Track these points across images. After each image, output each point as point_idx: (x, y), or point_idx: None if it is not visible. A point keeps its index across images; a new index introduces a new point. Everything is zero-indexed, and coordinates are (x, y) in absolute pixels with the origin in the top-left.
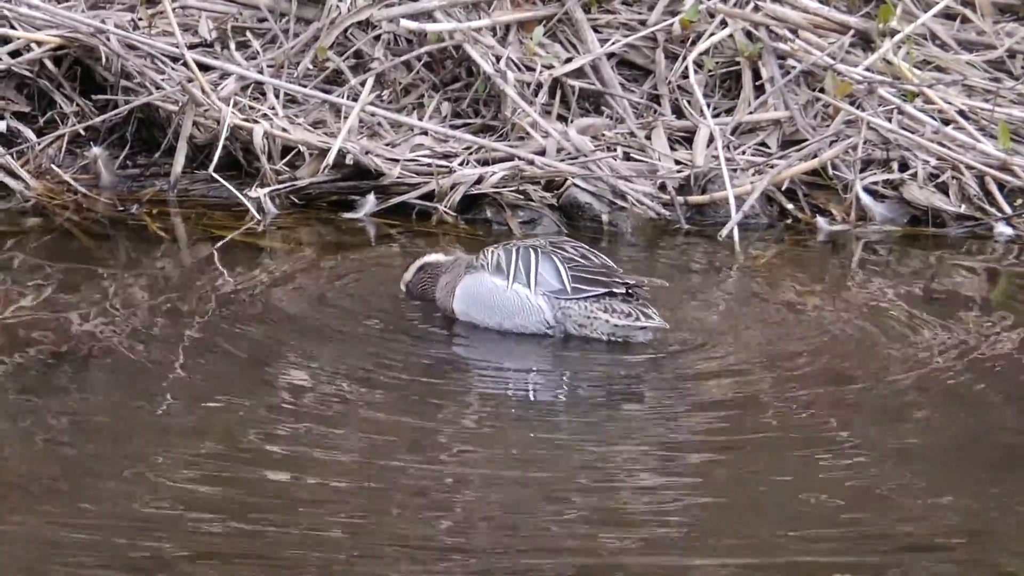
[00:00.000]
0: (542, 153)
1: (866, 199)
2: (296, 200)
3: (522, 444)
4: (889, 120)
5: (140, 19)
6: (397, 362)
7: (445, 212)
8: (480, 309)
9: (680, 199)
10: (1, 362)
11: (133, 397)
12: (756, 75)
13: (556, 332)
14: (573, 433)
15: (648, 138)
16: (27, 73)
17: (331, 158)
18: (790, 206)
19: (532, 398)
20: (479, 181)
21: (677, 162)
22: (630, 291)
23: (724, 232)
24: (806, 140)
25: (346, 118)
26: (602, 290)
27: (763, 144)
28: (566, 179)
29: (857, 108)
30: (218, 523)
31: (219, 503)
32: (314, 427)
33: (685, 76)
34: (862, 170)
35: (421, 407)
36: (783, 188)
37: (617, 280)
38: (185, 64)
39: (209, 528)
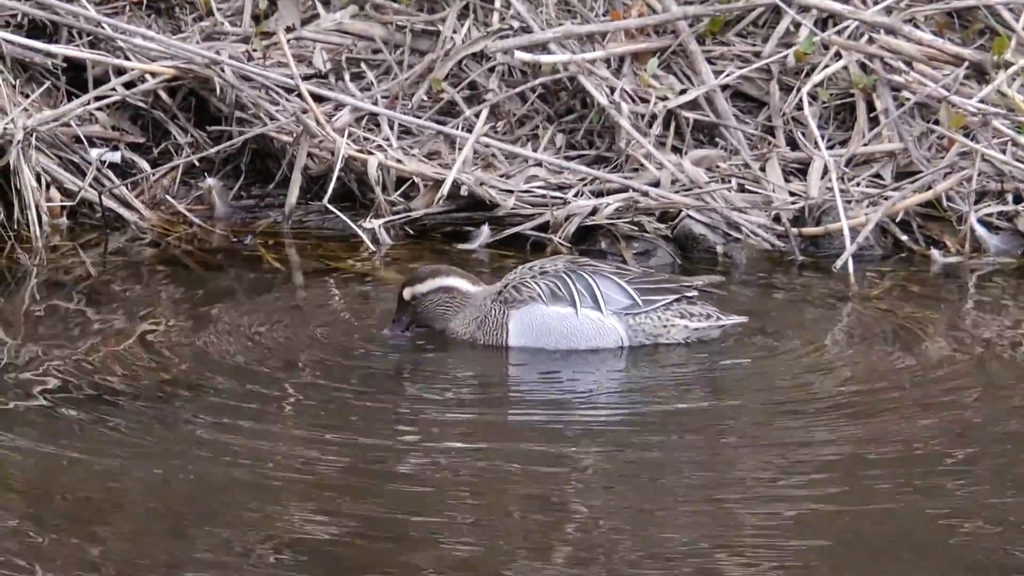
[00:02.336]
0: (656, 184)
1: (980, 231)
2: (410, 231)
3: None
4: (1003, 152)
5: (255, 50)
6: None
7: (560, 243)
8: (548, 338)
9: (795, 231)
10: (115, 391)
11: (247, 427)
12: (870, 107)
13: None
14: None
15: (763, 169)
16: (142, 104)
17: (446, 189)
18: (904, 238)
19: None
20: (594, 212)
21: (792, 193)
22: (700, 291)
23: (839, 264)
24: (920, 172)
25: (460, 149)
26: (673, 296)
27: (877, 176)
28: (680, 210)
29: (971, 140)
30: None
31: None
32: (439, 457)
33: (799, 108)
34: (976, 202)
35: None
36: (897, 220)
37: (684, 284)
38: (300, 95)
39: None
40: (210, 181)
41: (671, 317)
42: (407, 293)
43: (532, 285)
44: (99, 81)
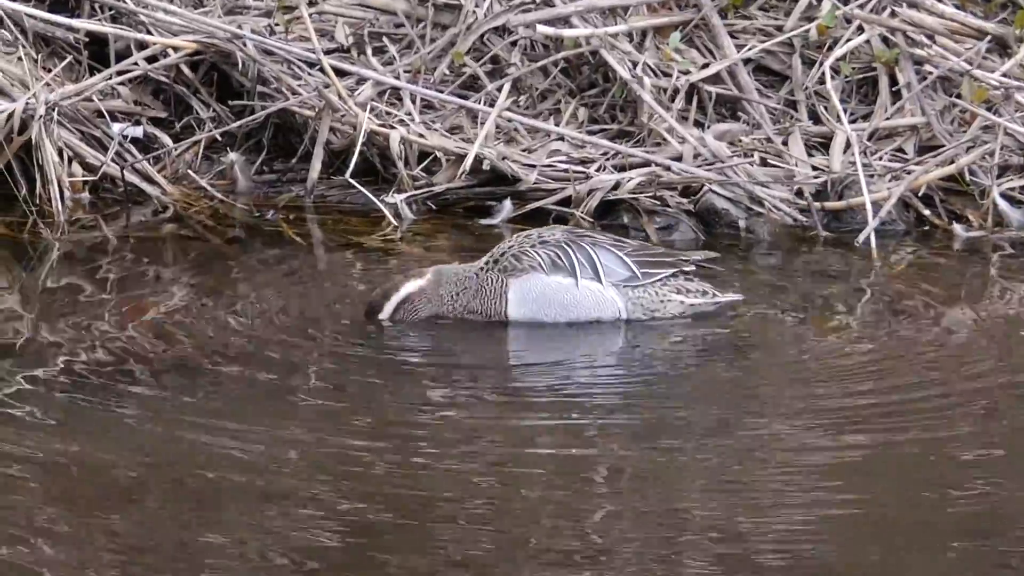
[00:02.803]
0: (679, 159)
1: (1003, 205)
2: (432, 206)
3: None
4: None
5: (276, 24)
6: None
7: (582, 218)
8: (548, 309)
9: (817, 205)
10: (136, 365)
11: (265, 402)
12: (893, 81)
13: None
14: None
15: (785, 144)
16: (164, 79)
17: (468, 164)
18: (927, 212)
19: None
20: (616, 187)
21: (814, 168)
22: (697, 266)
23: (861, 238)
24: (943, 146)
25: (483, 124)
26: (671, 270)
27: (900, 150)
28: (703, 185)
29: (994, 114)
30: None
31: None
32: (459, 436)
33: (822, 82)
34: (999, 176)
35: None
36: (920, 194)
37: (682, 258)
38: (322, 69)
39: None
40: (232, 156)
41: (668, 292)
42: (385, 320)
43: (532, 254)
44: (121, 55)
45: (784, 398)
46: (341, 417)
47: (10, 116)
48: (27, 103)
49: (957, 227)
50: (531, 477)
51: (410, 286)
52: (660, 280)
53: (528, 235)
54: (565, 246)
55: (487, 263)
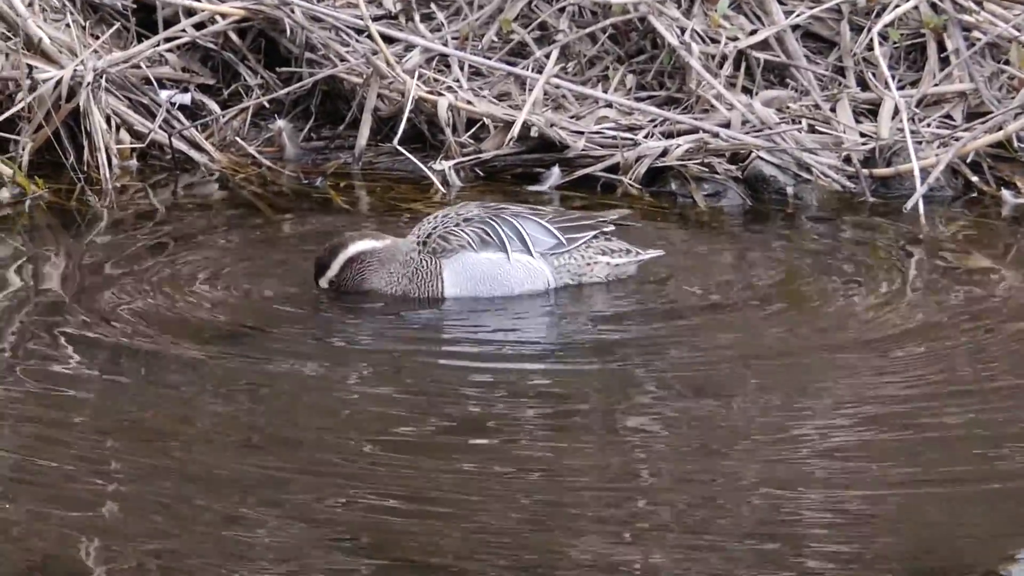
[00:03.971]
0: (727, 126)
1: None
2: (480, 173)
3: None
4: None
5: None
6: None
7: (630, 185)
8: (483, 286)
9: (865, 171)
10: (183, 331)
11: (313, 366)
12: (941, 47)
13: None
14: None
15: (833, 110)
16: (211, 45)
17: (516, 131)
18: (975, 179)
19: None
20: (664, 154)
21: (862, 134)
22: (615, 225)
23: (909, 205)
24: (991, 112)
25: (531, 90)
26: (592, 233)
27: (948, 116)
28: (751, 152)
29: None
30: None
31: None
32: (501, 408)
33: (870, 48)
34: None
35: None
36: (968, 160)
37: (601, 220)
38: (370, 36)
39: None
40: (280, 123)
41: (593, 255)
42: (323, 283)
43: (459, 233)
44: (169, 22)
45: (833, 364)
46: (399, 384)
47: (58, 83)
48: (75, 70)
49: (1006, 193)
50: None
51: (364, 244)
52: (584, 243)
53: (447, 214)
54: (491, 221)
55: (417, 244)
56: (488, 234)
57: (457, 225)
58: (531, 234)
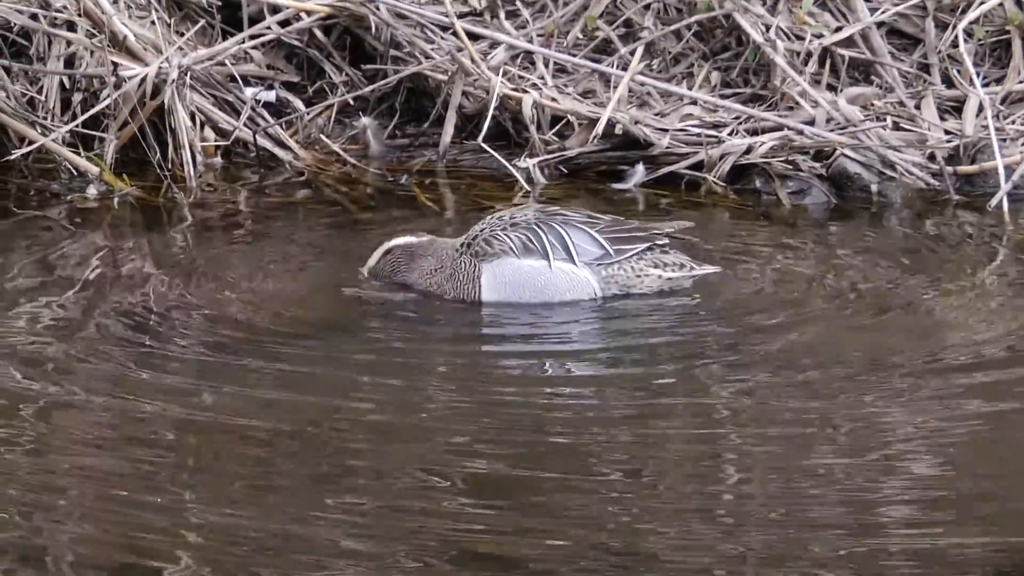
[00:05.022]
0: (811, 123)
1: None
2: (564, 170)
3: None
4: None
5: None
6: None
7: (714, 182)
8: (522, 292)
9: (949, 169)
10: (269, 329)
11: (406, 363)
12: None
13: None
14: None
15: (918, 107)
16: (296, 43)
17: (600, 128)
18: None
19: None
20: (748, 151)
21: (947, 132)
22: (671, 237)
23: (993, 202)
24: None
25: (615, 88)
26: (644, 245)
27: None
28: (835, 149)
29: None
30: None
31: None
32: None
33: (955, 45)
34: None
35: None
36: None
37: (655, 232)
38: (455, 33)
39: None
40: (365, 120)
41: (644, 267)
42: (363, 271)
43: (503, 238)
44: (254, 19)
45: (918, 358)
46: (479, 377)
47: (143, 81)
48: (160, 67)
49: None
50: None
51: (398, 240)
52: (634, 255)
53: (500, 216)
54: (536, 228)
55: (462, 246)
56: (531, 241)
57: (504, 229)
58: (576, 243)
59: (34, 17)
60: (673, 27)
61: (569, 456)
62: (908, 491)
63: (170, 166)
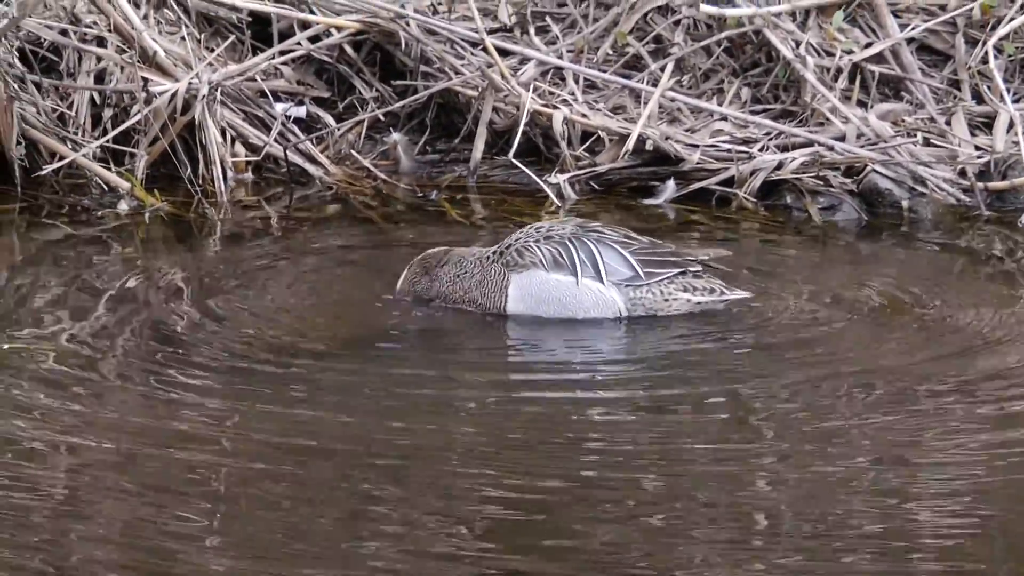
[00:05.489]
0: (842, 139)
1: None
2: (595, 186)
3: None
4: None
5: (440, 4)
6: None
7: (745, 198)
8: (548, 306)
9: (980, 185)
10: (301, 345)
11: (433, 387)
12: None
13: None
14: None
15: (948, 124)
16: (327, 58)
17: (631, 144)
18: None
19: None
20: (779, 167)
21: (977, 148)
22: (705, 266)
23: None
24: None
25: (646, 103)
26: (676, 271)
27: None
28: (866, 165)
29: None
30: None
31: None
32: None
33: (985, 61)
34: None
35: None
36: None
37: (690, 258)
38: (485, 49)
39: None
40: (395, 136)
41: (673, 291)
42: (396, 292)
43: (535, 249)
44: (284, 35)
45: (950, 377)
46: (499, 395)
47: (174, 96)
48: (190, 83)
49: None
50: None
51: (428, 253)
52: (665, 279)
53: (538, 227)
54: (568, 243)
55: (494, 253)
56: (562, 255)
57: (537, 241)
58: (607, 262)
59: (64, 33)
60: (703, 43)
61: (600, 483)
62: (943, 514)
63: (201, 181)
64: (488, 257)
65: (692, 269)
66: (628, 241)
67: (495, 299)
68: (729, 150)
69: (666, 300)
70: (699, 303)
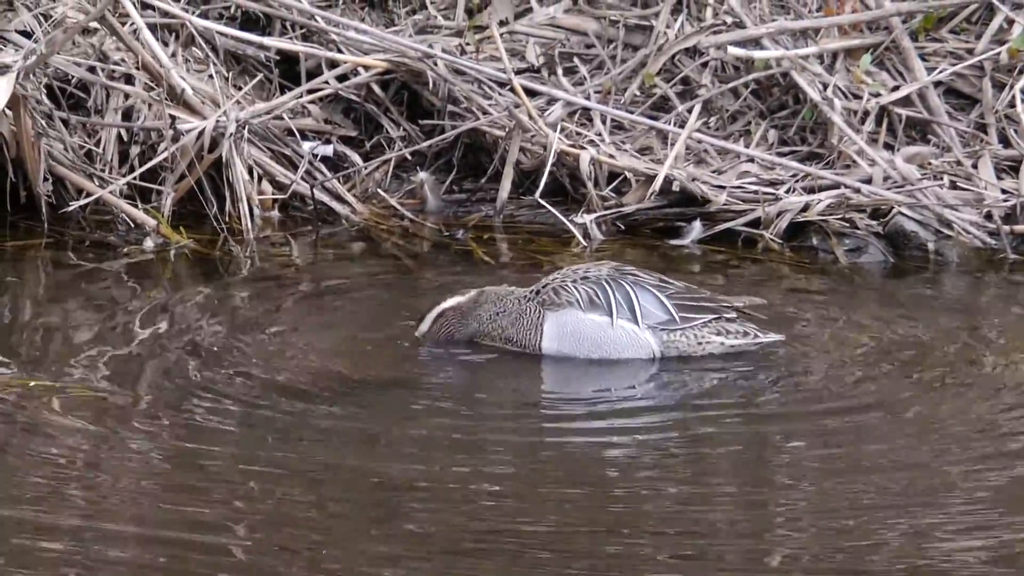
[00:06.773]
0: (868, 181)
1: None
2: (622, 226)
3: None
4: None
5: (467, 44)
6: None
7: (771, 239)
8: (582, 346)
9: (1006, 228)
10: (328, 383)
11: (464, 428)
12: None
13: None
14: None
15: (975, 167)
16: (354, 97)
17: (658, 184)
18: None
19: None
20: (805, 208)
21: (1004, 191)
22: (740, 312)
23: None
24: None
25: (673, 145)
26: (711, 316)
27: None
28: (892, 207)
29: None
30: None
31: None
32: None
33: (1012, 105)
34: None
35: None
36: None
37: (724, 304)
38: (512, 89)
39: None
40: (422, 175)
41: (707, 334)
42: (417, 335)
43: (571, 289)
44: (312, 74)
45: (978, 422)
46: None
47: (201, 134)
48: (218, 121)
49: None
50: None
51: (448, 302)
52: (699, 324)
53: (576, 268)
54: (605, 284)
55: (531, 292)
56: (598, 296)
57: (574, 282)
58: (643, 305)
59: (92, 70)
60: (730, 85)
61: (629, 525)
62: (966, 547)
63: (227, 219)
64: (526, 296)
65: (727, 315)
66: (664, 285)
67: (530, 337)
68: (756, 191)
69: (699, 344)
70: (732, 346)
